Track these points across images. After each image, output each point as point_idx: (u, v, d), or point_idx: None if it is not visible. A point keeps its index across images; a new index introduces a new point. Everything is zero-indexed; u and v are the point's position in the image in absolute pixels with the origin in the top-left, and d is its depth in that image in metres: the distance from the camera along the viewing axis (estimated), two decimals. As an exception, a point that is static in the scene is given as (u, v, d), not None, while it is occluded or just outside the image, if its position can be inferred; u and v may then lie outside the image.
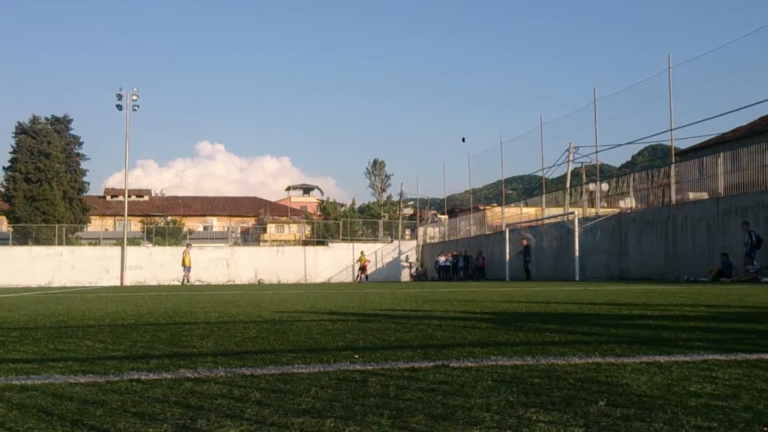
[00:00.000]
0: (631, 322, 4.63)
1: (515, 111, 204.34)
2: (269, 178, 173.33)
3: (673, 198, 23.97)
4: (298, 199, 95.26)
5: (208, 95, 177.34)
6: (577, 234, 27.19)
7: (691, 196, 23.06)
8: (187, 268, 32.79)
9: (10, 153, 57.57)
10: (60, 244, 44.32)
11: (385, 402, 1.78)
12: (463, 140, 78.87)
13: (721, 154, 21.80)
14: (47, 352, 3.12)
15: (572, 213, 28.95)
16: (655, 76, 25.69)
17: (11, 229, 49.99)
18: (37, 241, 46.64)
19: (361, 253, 40.50)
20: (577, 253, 26.98)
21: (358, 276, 38.74)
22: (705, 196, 22.52)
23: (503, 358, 2.63)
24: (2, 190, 57.69)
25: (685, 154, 30.18)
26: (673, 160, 24.98)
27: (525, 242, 30.35)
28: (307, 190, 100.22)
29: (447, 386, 1.98)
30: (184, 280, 32.95)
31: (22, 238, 47.87)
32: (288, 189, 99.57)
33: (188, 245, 35.97)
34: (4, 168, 57.85)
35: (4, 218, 57.98)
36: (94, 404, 1.80)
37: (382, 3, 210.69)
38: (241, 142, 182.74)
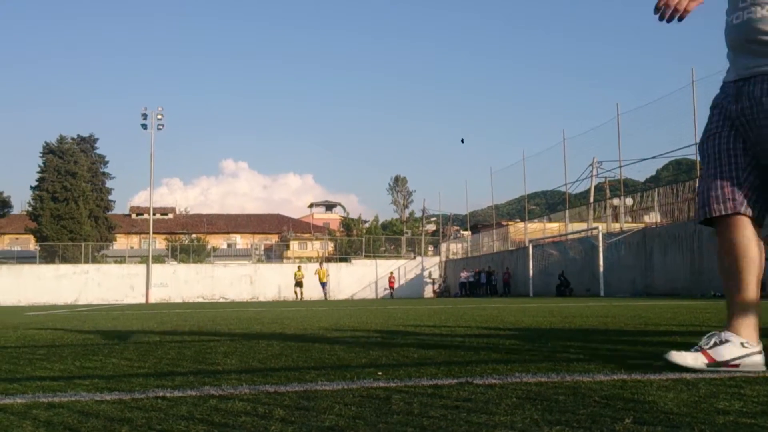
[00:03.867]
0: (657, 339, 4.58)
1: (538, 126, 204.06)
2: (292, 195, 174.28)
3: (699, 212, 23.69)
4: (320, 216, 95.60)
5: (231, 114, 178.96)
6: (601, 249, 26.99)
7: (717, 210, 22.78)
8: (323, 283, 35.14)
9: (38, 173, 58.47)
10: (86, 262, 44.82)
11: (409, 419, 1.78)
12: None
13: (747, 168, 21.59)
14: (74, 370, 3.15)
15: (596, 228, 28.78)
16: (678, 90, 25.55)
17: (38, 248, 50.61)
18: (64, 260, 47.21)
19: (298, 267, 38.87)
20: (601, 269, 26.77)
21: (299, 292, 36.57)
22: (731, 210, 22.24)
23: (527, 375, 2.62)
24: (30, 209, 58.50)
25: (710, 168, 29.81)
26: (699, 174, 24.74)
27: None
28: (329, 207, 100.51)
29: (471, 404, 1.97)
30: (326, 295, 35.14)
31: (49, 256, 48.48)
32: (311, 206, 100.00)
33: (321, 263, 38.54)
34: (31, 187, 58.71)
35: (31, 237, 58.77)
36: (119, 422, 1.81)
37: (405, 19, 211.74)
38: (265, 160, 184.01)
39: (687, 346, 3.86)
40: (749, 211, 2.69)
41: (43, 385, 2.61)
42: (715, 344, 2.53)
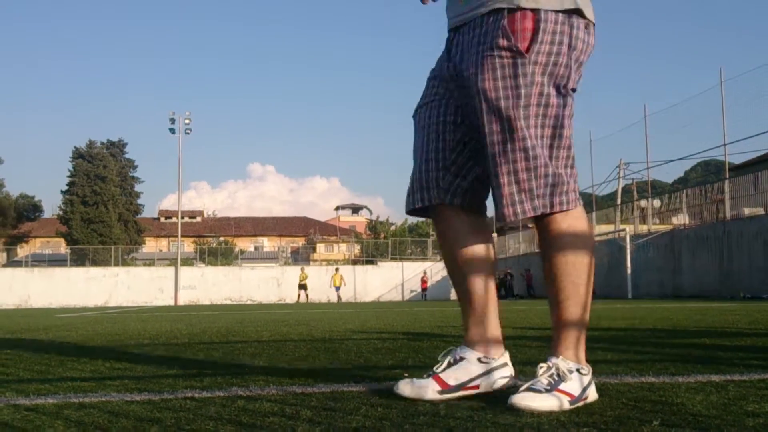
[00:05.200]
0: (686, 341, 4.54)
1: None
2: (319, 198, 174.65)
3: (728, 214, 23.45)
4: (347, 218, 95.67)
5: (258, 117, 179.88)
6: (628, 251, 26.77)
7: (747, 211, 22.52)
8: (337, 288, 35.42)
9: (68, 177, 59.27)
10: (116, 265, 45.28)
11: (435, 420, 1.78)
12: None
13: (778, 169, 21.33)
14: (104, 371, 3.19)
15: (623, 230, 28.54)
16: (706, 90, 25.33)
17: (69, 251, 51.23)
18: (94, 263, 47.76)
19: (302, 269, 38.96)
20: (629, 271, 26.54)
21: (298, 295, 36.65)
22: (761, 211, 21.98)
23: (554, 376, 2.60)
24: (60, 213, 59.30)
25: (739, 169, 29.59)
26: (727, 175, 24.48)
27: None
28: (356, 209, 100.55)
29: (497, 405, 1.97)
30: (339, 298, 35.55)
31: (79, 259, 49.05)
32: (337, 209, 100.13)
33: (337, 269, 38.33)
34: (62, 192, 59.51)
35: (62, 240, 59.55)
36: (149, 422, 1.83)
37: (430, 21, 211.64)
38: (291, 163, 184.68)
39: (716, 349, 3.82)
40: (457, 200, 2.18)
41: (74, 385, 2.65)
42: (450, 364, 2.12)
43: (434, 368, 2.11)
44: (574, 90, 2.08)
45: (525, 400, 1.88)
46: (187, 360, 3.65)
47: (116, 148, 63.18)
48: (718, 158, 26.14)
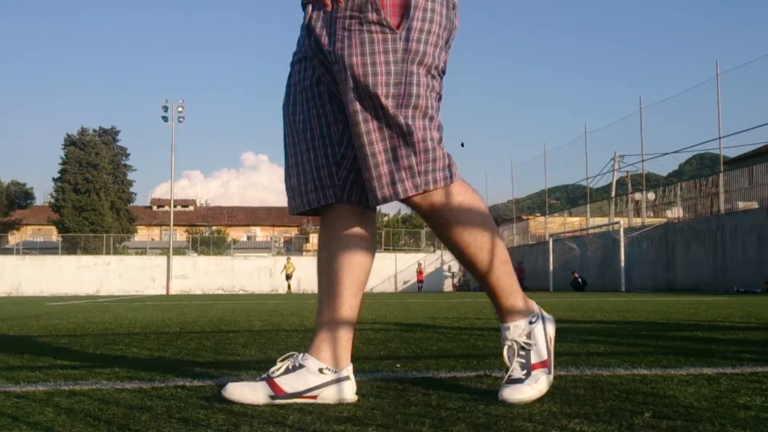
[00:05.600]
0: (678, 334, 4.55)
1: (559, 120, 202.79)
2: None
3: (722, 207, 23.52)
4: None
5: (251, 106, 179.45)
6: (622, 244, 26.85)
7: (741, 205, 22.61)
8: None
9: (60, 164, 59.03)
10: (107, 253, 45.19)
11: (427, 411, 1.78)
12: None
13: (772, 163, 21.40)
14: (95, 359, 3.18)
15: (617, 223, 28.61)
16: (702, 83, 25.34)
17: (60, 239, 51.11)
18: (86, 251, 47.63)
19: (288, 259, 39.27)
20: (622, 264, 26.62)
21: (288, 285, 36.91)
22: (755, 205, 22.06)
23: (546, 368, 2.60)
24: (52, 200, 59.09)
25: (734, 163, 29.68)
26: (722, 169, 24.52)
27: None
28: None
29: (489, 396, 1.97)
30: None
31: (70, 247, 48.93)
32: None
33: None
34: (53, 179, 59.28)
35: (53, 228, 59.36)
36: (140, 410, 1.83)
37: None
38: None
39: (708, 342, 3.83)
40: (355, 197, 2.04)
41: (65, 373, 2.64)
42: (288, 370, 1.96)
43: (270, 371, 1.97)
44: (443, 72, 1.98)
45: (514, 394, 1.88)
46: (179, 349, 3.65)
47: (109, 135, 62.93)
48: (713, 151, 26.25)
